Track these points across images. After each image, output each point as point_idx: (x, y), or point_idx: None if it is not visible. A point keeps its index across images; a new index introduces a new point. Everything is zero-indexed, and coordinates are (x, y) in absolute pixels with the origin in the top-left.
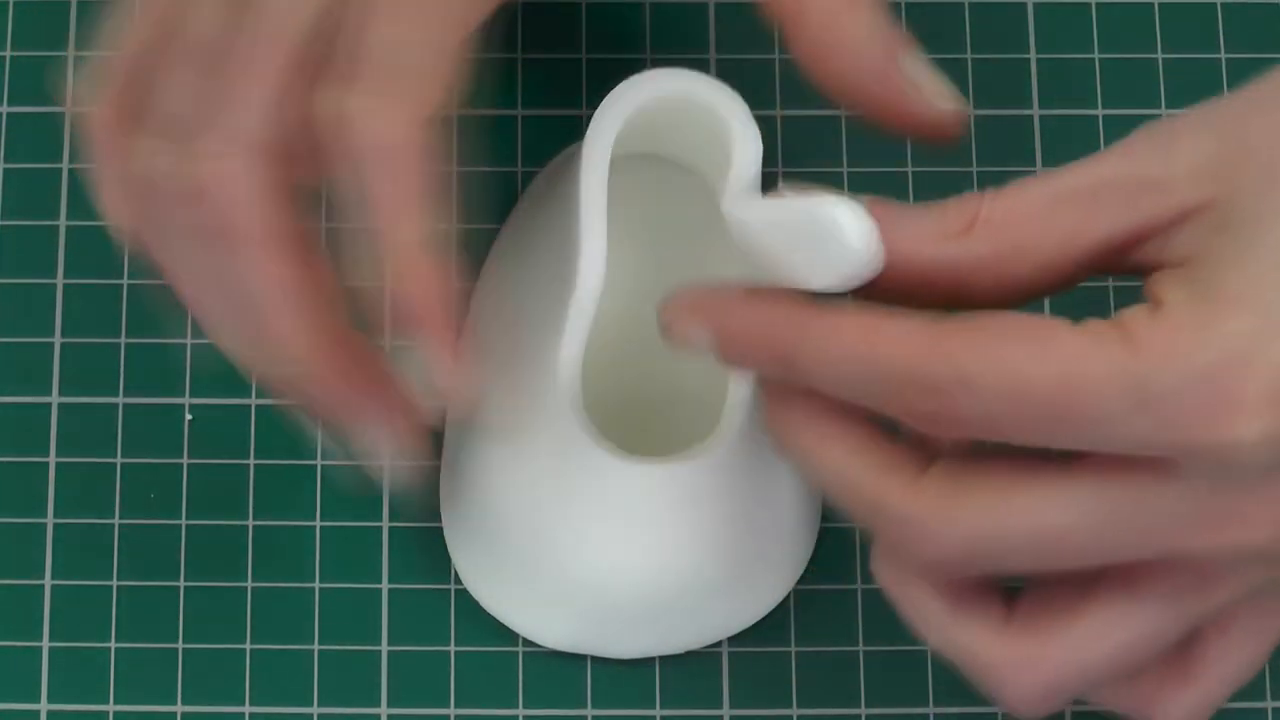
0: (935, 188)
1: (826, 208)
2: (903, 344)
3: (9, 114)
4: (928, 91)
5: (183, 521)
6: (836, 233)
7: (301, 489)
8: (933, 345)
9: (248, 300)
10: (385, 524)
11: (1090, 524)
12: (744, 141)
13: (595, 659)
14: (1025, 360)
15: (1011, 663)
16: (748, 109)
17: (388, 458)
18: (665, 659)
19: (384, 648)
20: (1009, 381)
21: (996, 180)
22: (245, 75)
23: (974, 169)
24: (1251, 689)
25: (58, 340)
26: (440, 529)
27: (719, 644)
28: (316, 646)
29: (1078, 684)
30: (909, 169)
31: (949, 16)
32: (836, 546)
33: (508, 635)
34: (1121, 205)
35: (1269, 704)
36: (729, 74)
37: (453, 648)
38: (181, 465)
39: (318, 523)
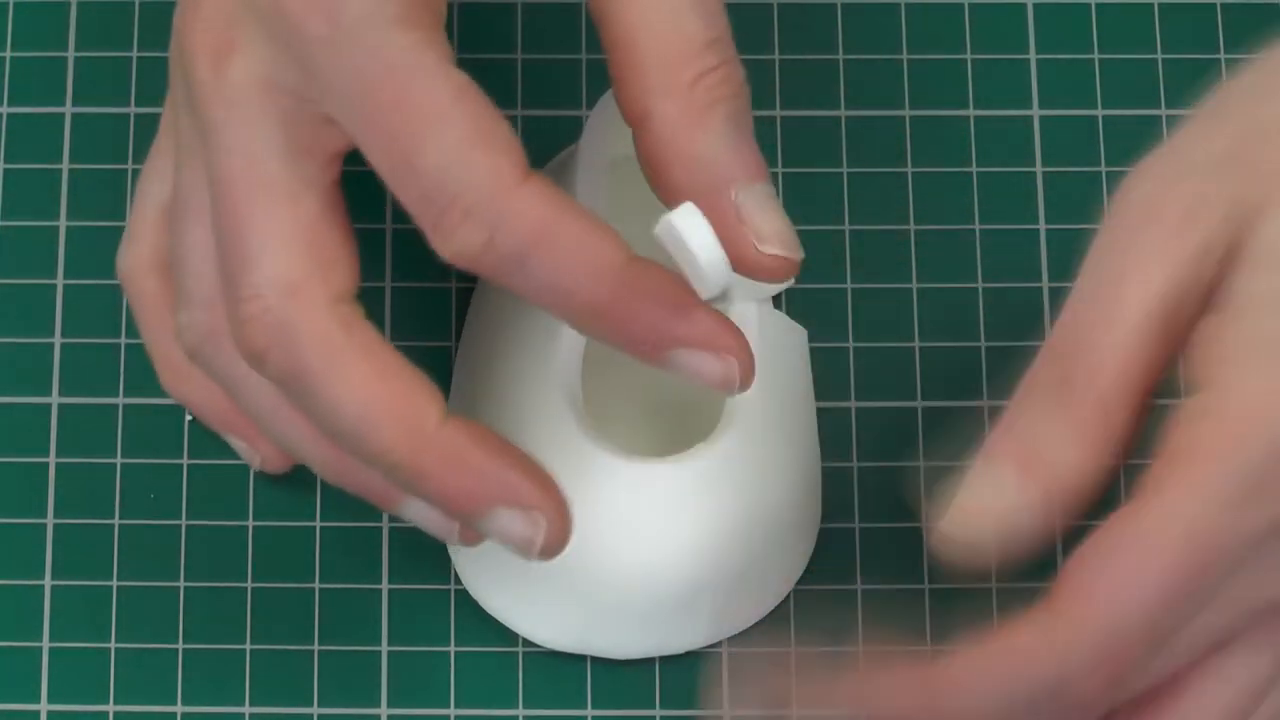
0: (934, 188)
1: (676, 219)
2: (1027, 659)
3: (9, 114)
4: (758, 232)
5: (183, 522)
6: (688, 244)
7: (301, 489)
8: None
9: (341, 427)
10: (385, 524)
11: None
12: None
13: (595, 659)
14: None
15: None
16: None
17: (525, 530)
18: (665, 658)
19: (384, 648)
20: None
21: (994, 180)
22: (251, 222)
23: (973, 169)
24: None
25: (58, 340)
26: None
27: (719, 644)
28: (316, 647)
29: None
30: (909, 169)
31: (950, 16)
32: (837, 546)
33: (508, 635)
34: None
35: None
36: None
37: (453, 648)
38: (181, 466)
39: (318, 523)
